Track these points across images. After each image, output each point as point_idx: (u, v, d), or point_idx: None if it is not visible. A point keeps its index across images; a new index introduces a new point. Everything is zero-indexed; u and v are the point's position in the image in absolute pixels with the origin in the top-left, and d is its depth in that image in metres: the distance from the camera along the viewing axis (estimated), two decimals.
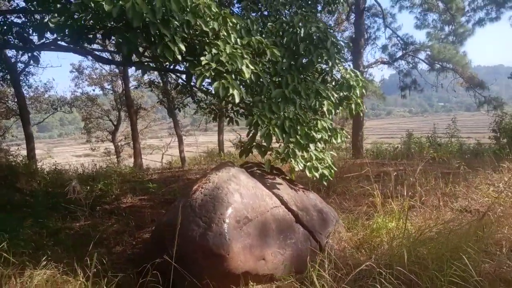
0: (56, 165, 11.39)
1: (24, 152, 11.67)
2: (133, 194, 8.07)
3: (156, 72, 18.88)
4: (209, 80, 4.54)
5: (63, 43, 3.89)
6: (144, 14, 2.66)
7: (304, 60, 4.28)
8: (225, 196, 3.36)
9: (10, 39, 3.70)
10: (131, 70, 17.17)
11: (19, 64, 11.67)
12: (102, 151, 22.59)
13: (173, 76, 12.76)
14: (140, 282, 3.10)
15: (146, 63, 3.49)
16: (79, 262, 3.71)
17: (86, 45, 3.86)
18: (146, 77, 20.48)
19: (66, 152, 41.50)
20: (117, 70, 19.35)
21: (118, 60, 9.33)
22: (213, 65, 3.23)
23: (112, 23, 3.04)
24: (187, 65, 3.68)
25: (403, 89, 14.41)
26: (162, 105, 18.54)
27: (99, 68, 20.75)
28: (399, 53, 13.98)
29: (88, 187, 8.01)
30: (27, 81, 13.00)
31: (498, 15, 12.22)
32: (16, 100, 12.57)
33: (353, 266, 3.46)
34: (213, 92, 6.79)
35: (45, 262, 3.59)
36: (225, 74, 3.29)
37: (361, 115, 11.06)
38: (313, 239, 3.84)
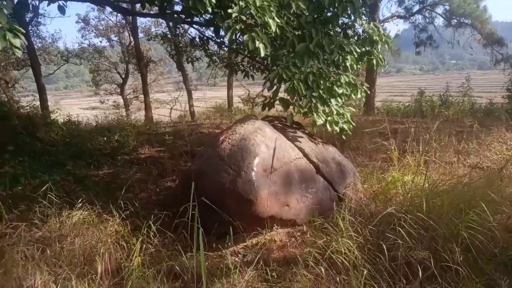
0: (70, 117, 11.60)
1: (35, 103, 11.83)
2: (150, 146, 8.30)
3: (164, 25, 18.58)
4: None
5: None
6: None
7: (328, 14, 4.25)
8: (252, 147, 3.53)
9: None
10: (139, 22, 16.86)
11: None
12: (109, 104, 22.69)
13: (185, 29, 12.59)
14: (175, 223, 3.34)
15: (177, 16, 3.51)
16: (113, 204, 4.00)
17: None
18: (153, 29, 20.17)
19: (73, 105, 41.67)
20: (124, 21, 19.00)
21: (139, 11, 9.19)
22: (243, 17, 3.27)
23: None
24: (211, 17, 3.70)
25: (418, 45, 14.10)
26: (171, 59, 18.41)
27: (106, 19, 20.36)
28: (416, 7, 13.51)
29: (105, 138, 8.26)
30: (37, 32, 12.84)
31: None
32: (26, 51, 12.54)
33: (371, 213, 3.72)
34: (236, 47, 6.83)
35: (80, 204, 3.86)
36: (254, 27, 3.32)
37: (375, 71, 10.96)
38: (332, 189, 4.05)
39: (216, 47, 9.10)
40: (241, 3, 3.33)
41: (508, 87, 14.66)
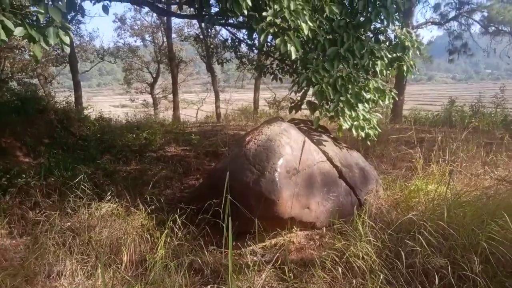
0: (101, 113, 12.02)
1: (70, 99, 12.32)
2: (176, 144, 8.51)
3: (197, 26, 18.93)
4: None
5: None
6: None
7: (361, 18, 4.26)
8: (277, 148, 3.58)
9: None
10: (173, 23, 17.26)
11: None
12: (139, 103, 23.28)
13: (217, 31, 12.81)
14: (198, 218, 3.43)
15: (215, 17, 3.62)
16: (140, 199, 4.14)
17: None
18: (186, 30, 20.59)
19: (104, 102, 42.97)
20: (158, 22, 19.51)
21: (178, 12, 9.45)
22: (277, 21, 3.33)
23: None
24: (246, 20, 3.78)
25: (451, 52, 13.72)
26: (201, 60, 18.74)
27: (141, 19, 20.96)
28: (452, 13, 13.17)
29: (134, 135, 8.53)
30: (77, 29, 13.39)
31: None
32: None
33: (391, 220, 3.68)
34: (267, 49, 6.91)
35: (109, 197, 4.01)
36: (287, 31, 3.38)
37: (405, 78, 10.79)
38: (354, 194, 4.04)
39: (246, 49, 9.23)
40: (275, 6, 3.40)
41: None
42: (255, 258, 3.30)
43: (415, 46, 4.51)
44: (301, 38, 3.82)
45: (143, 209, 3.90)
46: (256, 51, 9.55)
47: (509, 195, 3.92)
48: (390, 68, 4.64)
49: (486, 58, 16.08)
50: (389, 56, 4.41)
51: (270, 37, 3.88)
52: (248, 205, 3.33)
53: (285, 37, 3.39)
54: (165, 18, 16.08)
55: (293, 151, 3.63)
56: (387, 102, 4.65)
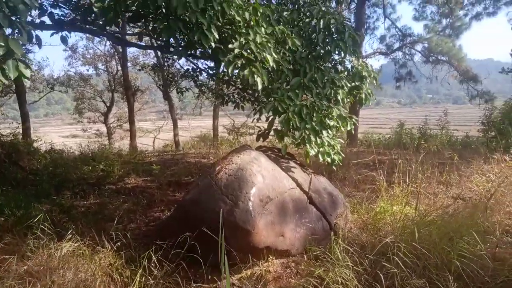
0: (52, 145, 11.42)
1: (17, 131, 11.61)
2: (136, 175, 8.23)
3: (152, 55, 18.83)
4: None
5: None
6: (187, 3, 2.81)
7: (321, 51, 4.48)
8: (249, 177, 3.59)
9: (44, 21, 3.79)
10: (128, 51, 17.06)
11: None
12: (92, 132, 22.43)
13: (174, 59, 12.82)
14: (171, 254, 3.30)
15: (180, 49, 3.63)
16: (104, 235, 3.92)
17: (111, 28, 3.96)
18: (141, 59, 20.43)
19: (53, 132, 40.87)
20: (112, 51, 19.22)
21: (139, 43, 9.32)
22: (245, 53, 3.42)
23: (153, 10, 3.17)
24: (212, 52, 3.84)
25: (398, 80, 14.73)
26: (158, 88, 18.59)
27: (94, 48, 20.53)
28: (397, 44, 14.26)
29: (90, 167, 8.16)
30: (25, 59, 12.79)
31: (496, 10, 12.56)
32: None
33: (363, 243, 3.78)
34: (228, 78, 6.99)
35: (69, 236, 3.77)
36: (254, 62, 3.48)
37: (358, 105, 11.35)
38: (325, 219, 4.11)
39: (205, 78, 9.29)
40: (242, 39, 3.49)
41: (483, 121, 15.36)
42: None
43: (372, 76, 4.80)
44: (266, 69, 3.93)
45: (109, 246, 3.71)
46: (215, 80, 9.65)
47: (468, 213, 4.19)
48: (349, 96, 4.87)
49: (428, 84, 17.36)
50: (349, 85, 4.65)
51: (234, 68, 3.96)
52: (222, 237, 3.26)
53: (253, 69, 3.47)
54: (120, 47, 15.87)
55: (264, 179, 3.66)
56: (349, 128, 4.85)
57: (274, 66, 3.94)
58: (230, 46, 3.60)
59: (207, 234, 3.33)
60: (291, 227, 3.70)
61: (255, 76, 3.61)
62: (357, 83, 4.77)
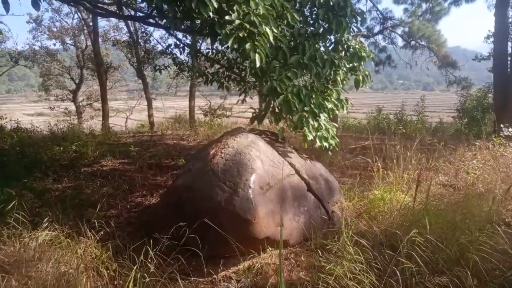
0: (18, 123, 10.67)
1: None
2: (113, 157, 7.77)
3: (125, 30, 17.88)
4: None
5: None
6: None
7: (320, 28, 4.19)
8: (248, 162, 3.32)
9: None
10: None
11: None
12: (60, 111, 21.28)
13: (150, 33, 12.16)
14: (165, 245, 3.00)
15: (176, 20, 3.23)
16: (85, 223, 3.57)
17: None
18: (112, 34, 19.40)
19: (16, 110, 38.72)
20: (81, 24, 18.11)
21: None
22: (247, 25, 3.08)
23: None
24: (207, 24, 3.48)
25: (377, 64, 14.67)
26: (131, 65, 17.75)
27: (60, 21, 19.24)
28: (377, 28, 14.13)
29: (62, 148, 7.63)
30: None
31: None
32: None
33: (367, 234, 3.62)
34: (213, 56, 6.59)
35: (46, 224, 3.40)
36: (257, 36, 3.15)
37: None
38: (323, 207, 3.92)
39: (185, 56, 8.82)
40: (242, 9, 3.15)
41: (457, 108, 15.71)
42: (230, 286, 2.98)
43: (371, 56, 4.58)
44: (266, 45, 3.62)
45: (92, 236, 3.37)
46: (196, 58, 9.20)
47: (464, 202, 4.11)
48: (347, 78, 4.65)
49: (398, 70, 17.45)
50: (348, 65, 4.41)
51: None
52: (220, 226, 3.01)
53: (256, 43, 3.15)
54: (91, 20, 14.90)
55: (264, 165, 3.40)
56: (345, 111, 4.65)
57: (273, 42, 3.63)
58: (227, 17, 3.25)
59: (203, 223, 3.07)
60: (290, 216, 3.49)
61: (251, 52, 3.29)
62: (355, 64, 4.54)
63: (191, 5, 2.82)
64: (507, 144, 7.13)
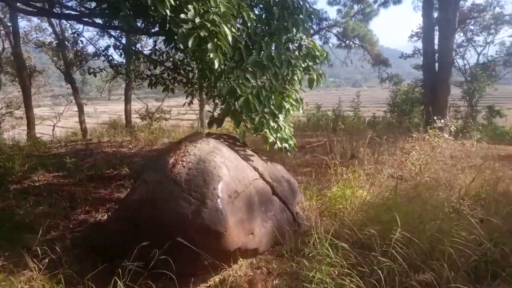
0: None
1: None
2: (45, 171, 6.99)
3: (50, 31, 16.43)
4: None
5: None
6: None
7: (276, 27, 4.08)
8: (213, 170, 3.09)
9: None
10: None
11: None
12: None
13: (79, 35, 11.22)
14: (128, 269, 2.67)
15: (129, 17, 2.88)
16: (23, 251, 3.11)
17: None
18: (34, 35, 17.76)
19: None
20: None
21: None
22: (208, 24, 2.86)
23: None
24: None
25: None
26: (58, 69, 16.36)
27: None
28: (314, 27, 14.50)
29: None
30: None
31: None
32: None
33: (328, 231, 3.58)
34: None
35: None
36: (218, 35, 2.94)
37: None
38: (288, 210, 3.83)
39: (122, 58, 8.27)
40: (200, 7, 2.92)
41: (389, 103, 16.76)
42: None
43: (324, 55, 4.58)
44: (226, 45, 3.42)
45: (35, 266, 2.92)
46: (138, 59, 8.69)
47: (416, 192, 4.26)
48: (303, 77, 4.61)
49: (329, 67, 18.15)
50: (303, 65, 4.37)
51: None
52: (189, 242, 2.76)
53: (218, 42, 2.94)
54: (9, 21, 13.41)
55: (230, 172, 3.20)
56: (301, 111, 4.61)
57: (231, 42, 3.44)
58: (182, 16, 3.00)
59: (167, 239, 2.80)
60: (258, 222, 3.33)
61: (211, 53, 3.08)
62: (309, 63, 4.51)
63: (147, 1, 2.53)
64: (440, 135, 7.68)
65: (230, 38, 3.23)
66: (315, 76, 4.61)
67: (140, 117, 18.10)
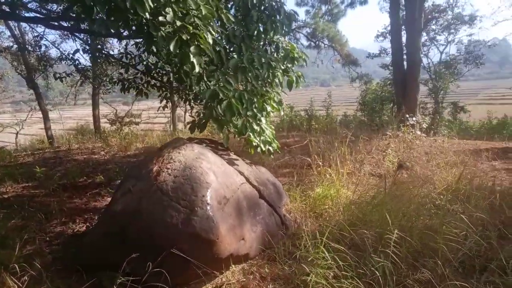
0: None
1: None
2: (13, 182, 6.65)
3: (8, 34, 15.64)
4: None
5: None
6: None
7: (255, 30, 4.06)
8: (201, 176, 3.03)
9: None
10: None
11: None
12: None
13: (40, 36, 10.74)
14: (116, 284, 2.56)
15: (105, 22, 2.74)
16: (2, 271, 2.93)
17: None
18: None
19: None
20: None
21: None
22: (190, 27, 2.79)
23: None
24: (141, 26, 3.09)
25: None
26: (19, 74, 15.60)
27: None
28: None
29: None
30: None
31: None
32: None
33: (314, 233, 3.59)
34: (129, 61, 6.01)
35: None
36: (199, 38, 2.87)
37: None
38: (275, 213, 3.81)
39: (89, 61, 8.02)
40: (180, 9, 2.84)
41: (359, 101, 17.14)
42: None
43: (303, 57, 4.61)
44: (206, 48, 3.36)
45: (14, 286, 2.75)
46: (109, 63, 8.44)
47: (408, 193, 4.34)
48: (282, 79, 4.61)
49: (297, 68, 18.46)
50: (283, 67, 4.38)
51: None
52: (180, 250, 2.69)
53: (201, 45, 2.88)
54: None
55: (217, 177, 3.15)
56: (282, 113, 4.61)
57: (211, 45, 3.39)
58: (161, 18, 2.91)
59: (156, 251, 2.71)
60: (248, 227, 3.29)
61: (192, 56, 3.01)
62: (288, 65, 4.52)
63: (125, 4, 2.44)
64: (413, 132, 7.93)
65: (211, 41, 3.18)
66: (294, 78, 4.63)
67: (109, 122, 17.57)
